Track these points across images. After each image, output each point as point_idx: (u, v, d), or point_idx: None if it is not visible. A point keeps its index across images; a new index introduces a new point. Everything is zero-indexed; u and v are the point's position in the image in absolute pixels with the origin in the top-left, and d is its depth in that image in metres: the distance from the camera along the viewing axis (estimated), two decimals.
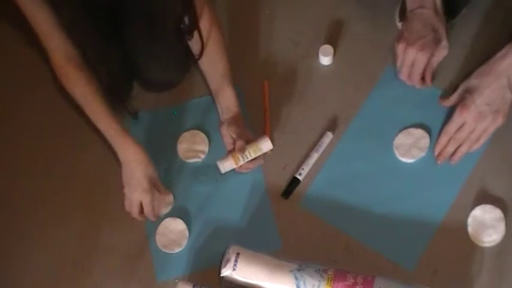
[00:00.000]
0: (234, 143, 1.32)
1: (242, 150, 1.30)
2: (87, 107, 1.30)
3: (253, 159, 1.33)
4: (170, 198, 1.35)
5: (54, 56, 1.28)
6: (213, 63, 1.37)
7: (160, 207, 1.33)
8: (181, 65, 1.42)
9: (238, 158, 1.31)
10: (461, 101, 1.29)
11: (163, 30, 1.30)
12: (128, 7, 1.28)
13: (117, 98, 1.35)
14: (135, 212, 1.30)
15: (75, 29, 1.23)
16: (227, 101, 1.35)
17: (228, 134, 1.34)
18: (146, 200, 1.29)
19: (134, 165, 1.29)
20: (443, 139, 1.31)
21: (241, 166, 1.33)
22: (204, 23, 1.33)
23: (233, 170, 1.34)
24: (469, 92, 1.28)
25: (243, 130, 1.33)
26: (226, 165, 1.33)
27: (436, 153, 1.32)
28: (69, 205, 1.39)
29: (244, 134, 1.33)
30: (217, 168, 1.34)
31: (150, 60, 1.37)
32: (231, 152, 1.33)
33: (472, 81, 1.29)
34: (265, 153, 1.33)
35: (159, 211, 1.32)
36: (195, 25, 1.31)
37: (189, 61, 1.41)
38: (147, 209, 1.30)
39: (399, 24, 1.46)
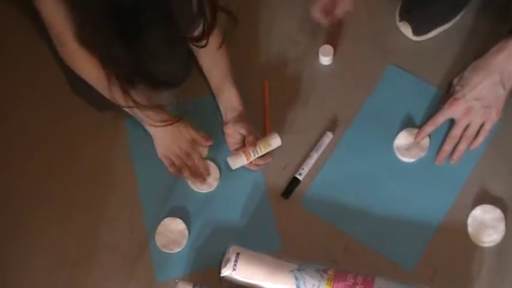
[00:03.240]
0: (242, 141, 1.33)
1: (253, 144, 1.30)
2: (104, 90, 1.30)
3: (262, 156, 1.33)
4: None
5: (67, 44, 1.26)
6: (214, 63, 1.37)
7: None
8: (186, 67, 1.42)
9: (249, 153, 1.32)
10: (452, 94, 1.29)
11: (175, 34, 1.30)
12: (145, 12, 1.28)
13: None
14: (189, 162, 1.32)
15: (93, 32, 1.22)
16: (231, 100, 1.36)
17: (234, 133, 1.34)
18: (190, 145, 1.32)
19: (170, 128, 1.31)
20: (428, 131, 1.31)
21: (251, 162, 1.33)
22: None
23: (233, 171, 1.34)
24: (460, 85, 1.28)
25: (251, 126, 1.33)
26: (238, 161, 1.33)
27: (437, 154, 1.32)
28: (69, 205, 1.39)
29: (253, 129, 1.33)
30: (227, 165, 1.34)
31: (157, 62, 1.37)
32: (239, 149, 1.33)
33: (465, 75, 1.29)
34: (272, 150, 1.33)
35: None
36: (209, 30, 1.29)
37: (191, 62, 1.41)
38: (196, 153, 1.32)
39: (399, 24, 1.46)
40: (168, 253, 1.31)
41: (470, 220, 1.28)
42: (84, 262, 1.33)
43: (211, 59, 1.37)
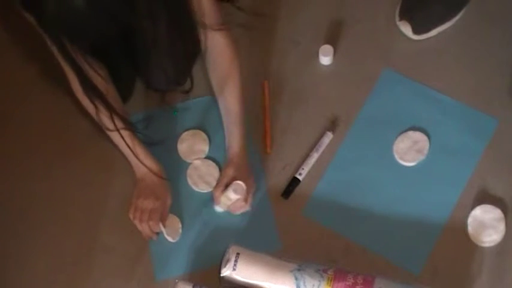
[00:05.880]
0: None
1: (216, 200, 1.31)
2: (112, 135, 1.32)
3: (236, 203, 1.30)
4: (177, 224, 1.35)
5: (76, 90, 1.29)
6: (224, 100, 1.35)
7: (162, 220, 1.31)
8: (184, 74, 1.42)
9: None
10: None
11: (169, 49, 1.30)
12: (137, 31, 1.28)
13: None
14: (144, 218, 1.29)
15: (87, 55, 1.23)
16: (231, 138, 1.34)
17: (222, 175, 1.34)
18: (158, 207, 1.29)
19: (155, 178, 1.32)
20: None
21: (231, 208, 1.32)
22: (223, 58, 1.33)
23: None
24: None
25: (230, 175, 1.30)
26: (217, 208, 1.33)
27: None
28: (69, 205, 1.39)
29: (224, 180, 1.30)
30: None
31: (153, 71, 1.37)
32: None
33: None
34: (246, 198, 1.29)
35: (163, 222, 1.31)
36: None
37: (191, 68, 1.41)
38: (155, 215, 1.29)
39: (399, 24, 1.46)
40: (168, 252, 1.31)
41: (470, 220, 1.28)
42: (84, 262, 1.33)
43: (223, 95, 1.35)
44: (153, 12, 1.18)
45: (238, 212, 1.32)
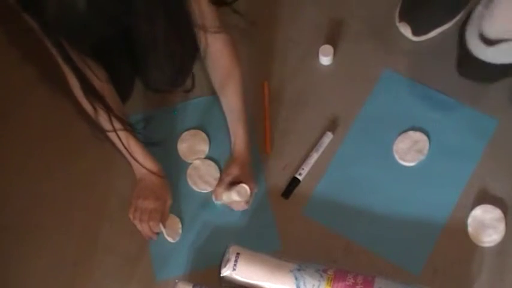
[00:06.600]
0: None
1: (216, 196, 1.31)
2: (111, 136, 1.31)
3: (234, 202, 1.30)
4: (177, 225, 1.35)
5: (75, 92, 1.29)
6: (227, 99, 1.35)
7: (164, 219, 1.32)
8: (182, 75, 1.42)
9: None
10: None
11: (168, 49, 1.30)
12: (135, 32, 1.29)
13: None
14: (144, 219, 1.29)
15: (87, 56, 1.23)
16: (235, 137, 1.34)
17: (224, 172, 1.34)
18: (158, 207, 1.29)
19: (155, 178, 1.32)
20: None
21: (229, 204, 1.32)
22: (223, 60, 1.33)
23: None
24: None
25: (234, 174, 1.30)
26: (213, 198, 1.34)
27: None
28: (69, 206, 1.39)
29: (228, 179, 1.30)
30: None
31: (152, 71, 1.37)
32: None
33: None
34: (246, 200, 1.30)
35: (164, 222, 1.31)
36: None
37: (190, 69, 1.41)
38: (156, 215, 1.29)
39: (399, 25, 1.46)
40: (168, 253, 1.31)
41: (470, 220, 1.28)
42: (85, 262, 1.33)
43: (225, 93, 1.36)
44: (151, 13, 1.18)
45: (237, 209, 1.33)
